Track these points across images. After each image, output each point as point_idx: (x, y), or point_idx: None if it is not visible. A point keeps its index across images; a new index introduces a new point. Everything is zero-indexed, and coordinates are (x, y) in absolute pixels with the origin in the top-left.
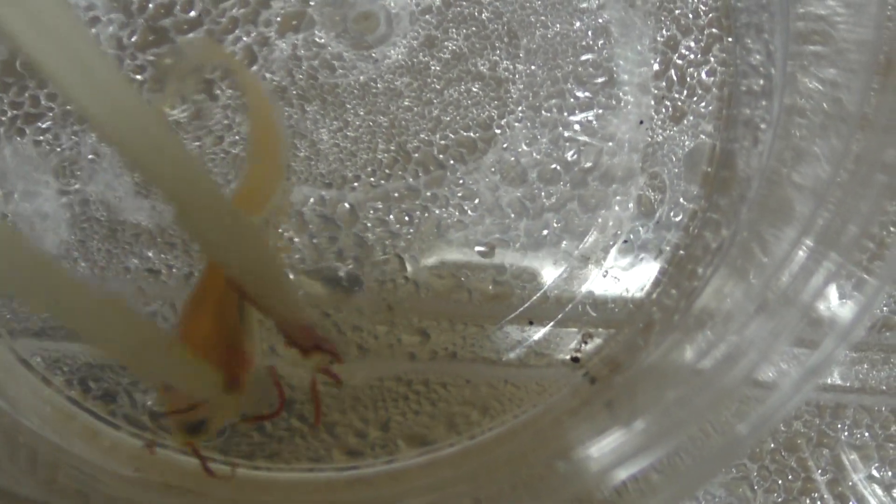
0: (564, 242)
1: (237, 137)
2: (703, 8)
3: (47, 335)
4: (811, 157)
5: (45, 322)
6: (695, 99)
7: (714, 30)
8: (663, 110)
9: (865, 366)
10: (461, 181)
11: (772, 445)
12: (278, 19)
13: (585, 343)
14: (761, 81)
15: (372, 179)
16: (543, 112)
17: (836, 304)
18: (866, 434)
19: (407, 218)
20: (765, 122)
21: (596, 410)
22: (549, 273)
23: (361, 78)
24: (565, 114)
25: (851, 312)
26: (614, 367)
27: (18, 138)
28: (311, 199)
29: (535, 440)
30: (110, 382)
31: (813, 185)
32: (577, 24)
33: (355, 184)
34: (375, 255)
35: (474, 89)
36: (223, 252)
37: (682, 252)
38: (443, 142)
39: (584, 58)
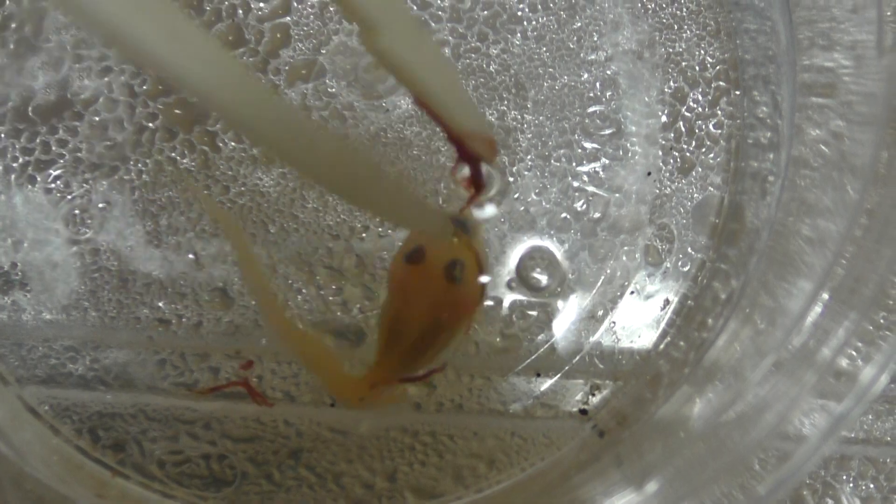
0: (573, 292)
1: (243, 188)
2: (711, 60)
3: (56, 383)
4: (820, 209)
5: (53, 370)
6: (703, 151)
7: (721, 83)
8: (671, 162)
9: (870, 416)
10: None
11: None
12: (286, 68)
13: (593, 395)
14: (769, 133)
15: (380, 229)
16: (552, 162)
17: (853, 363)
18: (871, 486)
19: None
20: (773, 174)
21: (605, 466)
22: (557, 324)
23: (372, 128)
24: (573, 164)
25: (870, 373)
26: (622, 420)
27: (29, 186)
28: (319, 251)
29: (543, 496)
30: (120, 432)
31: (823, 237)
32: (585, 75)
33: (363, 234)
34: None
35: None
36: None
37: (690, 302)
38: (446, 191)
39: (591, 109)
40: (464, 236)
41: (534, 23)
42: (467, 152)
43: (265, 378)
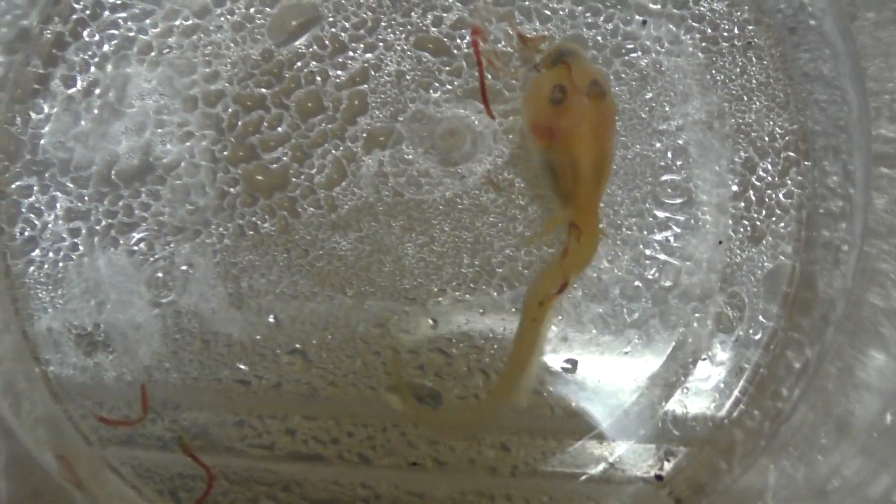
0: (646, 358)
1: (321, 252)
2: (780, 131)
3: (137, 444)
4: (894, 280)
5: (134, 431)
6: (773, 220)
7: (791, 153)
8: (742, 231)
9: None
10: None
11: None
12: (364, 135)
13: (667, 461)
14: (840, 203)
15: (457, 294)
16: (625, 230)
17: None
18: None
19: (491, 333)
20: (846, 244)
21: None
22: (631, 389)
23: (447, 194)
24: (645, 232)
25: None
26: (698, 489)
27: (112, 248)
28: (396, 315)
29: None
30: (200, 493)
31: None
32: (657, 145)
33: (440, 298)
34: (459, 369)
35: None
36: None
37: (763, 370)
38: (527, 257)
39: (663, 178)
40: (574, 59)
41: None
42: None
43: (341, 441)
